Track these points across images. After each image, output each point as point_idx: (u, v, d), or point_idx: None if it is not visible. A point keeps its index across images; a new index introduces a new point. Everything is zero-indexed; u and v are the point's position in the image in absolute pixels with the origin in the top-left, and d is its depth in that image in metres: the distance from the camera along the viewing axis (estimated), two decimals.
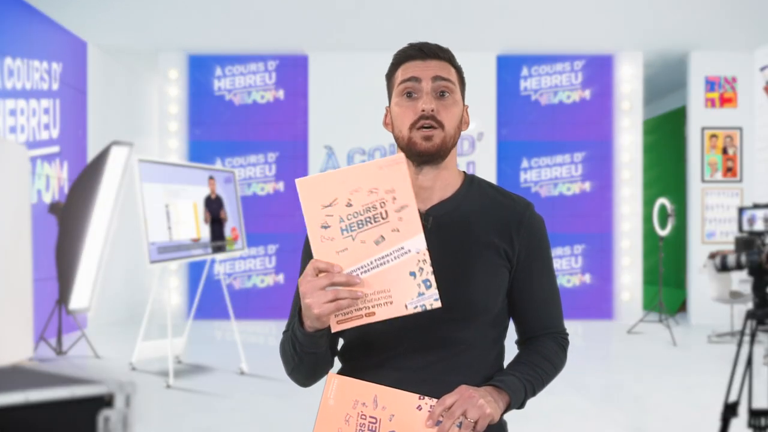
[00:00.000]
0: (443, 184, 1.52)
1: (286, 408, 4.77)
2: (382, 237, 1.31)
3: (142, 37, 8.41)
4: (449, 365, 1.47)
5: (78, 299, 6.56)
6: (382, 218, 1.31)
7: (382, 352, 1.48)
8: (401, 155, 1.33)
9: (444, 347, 1.47)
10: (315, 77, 8.95)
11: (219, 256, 6.13)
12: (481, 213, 1.52)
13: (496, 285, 1.50)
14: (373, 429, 1.38)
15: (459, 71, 1.53)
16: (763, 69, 8.43)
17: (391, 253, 1.31)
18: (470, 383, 1.43)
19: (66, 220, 6.37)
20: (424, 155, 1.46)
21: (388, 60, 1.56)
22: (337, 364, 1.59)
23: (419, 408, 1.36)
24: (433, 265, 1.41)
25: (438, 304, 1.32)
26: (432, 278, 1.32)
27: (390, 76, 1.53)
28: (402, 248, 1.31)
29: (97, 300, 6.85)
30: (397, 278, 1.32)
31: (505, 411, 1.43)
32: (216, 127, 8.97)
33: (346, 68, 8.92)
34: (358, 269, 1.32)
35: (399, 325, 1.43)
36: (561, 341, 1.59)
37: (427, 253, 1.32)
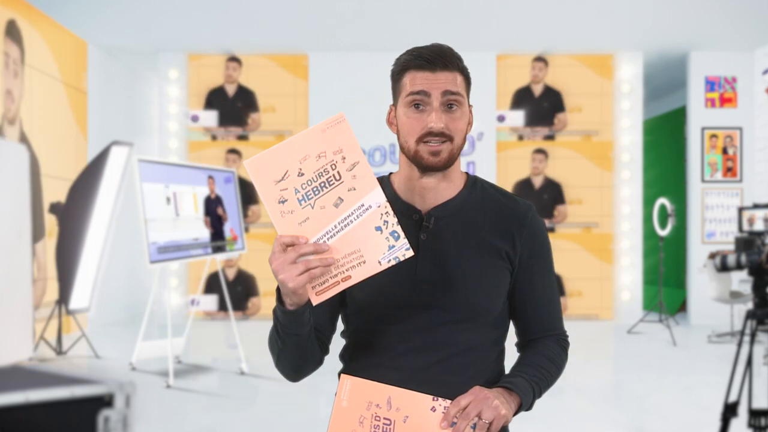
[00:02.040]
0: (446, 185, 1.50)
1: (286, 407, 4.77)
2: (340, 198, 1.30)
3: (142, 37, 8.41)
4: (449, 366, 1.46)
5: (78, 299, 6.56)
6: (336, 180, 1.30)
7: (383, 353, 1.48)
8: (341, 114, 1.31)
9: (444, 348, 1.46)
10: (315, 77, 8.95)
11: (219, 256, 6.13)
12: (483, 214, 1.51)
13: (497, 286, 1.50)
14: (388, 431, 1.37)
15: (466, 75, 1.48)
16: (764, 73, 8.43)
17: (352, 213, 1.30)
18: (471, 385, 1.42)
19: (66, 220, 6.36)
20: (431, 169, 1.45)
21: (388, 60, 1.56)
22: (338, 365, 1.59)
23: (433, 409, 1.36)
24: (433, 265, 1.45)
25: (410, 254, 1.31)
26: (398, 228, 1.31)
27: (396, 78, 1.48)
28: (362, 205, 1.30)
29: (97, 300, 6.85)
30: (364, 236, 1.30)
31: (516, 412, 1.42)
32: None
33: (345, 68, 8.92)
34: (324, 235, 1.30)
35: (400, 326, 1.46)
36: (562, 342, 1.58)
37: (388, 205, 1.31)
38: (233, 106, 9.02)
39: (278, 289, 1.35)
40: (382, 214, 1.31)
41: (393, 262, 1.31)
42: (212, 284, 8.65)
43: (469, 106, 1.50)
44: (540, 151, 8.93)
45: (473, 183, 1.55)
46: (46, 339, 6.42)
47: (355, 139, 1.31)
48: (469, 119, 1.49)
